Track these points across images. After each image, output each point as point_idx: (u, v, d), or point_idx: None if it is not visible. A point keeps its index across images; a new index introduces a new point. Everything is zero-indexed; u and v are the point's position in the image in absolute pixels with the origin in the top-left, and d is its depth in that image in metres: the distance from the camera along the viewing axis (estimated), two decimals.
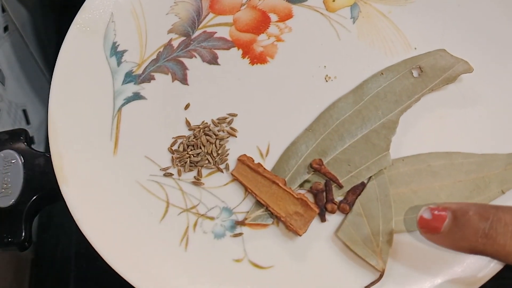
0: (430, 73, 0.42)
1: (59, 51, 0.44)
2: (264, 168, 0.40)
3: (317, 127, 0.41)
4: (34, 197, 0.41)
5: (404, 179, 0.40)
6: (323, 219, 0.39)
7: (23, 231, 0.40)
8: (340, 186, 0.40)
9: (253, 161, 0.40)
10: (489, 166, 0.40)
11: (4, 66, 0.61)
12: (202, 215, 0.40)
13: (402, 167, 0.40)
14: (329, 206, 0.39)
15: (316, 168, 0.40)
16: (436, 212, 0.33)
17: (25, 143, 0.43)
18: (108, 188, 0.40)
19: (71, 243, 0.61)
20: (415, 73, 0.43)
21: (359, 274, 0.38)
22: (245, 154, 0.41)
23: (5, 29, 0.61)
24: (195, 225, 0.39)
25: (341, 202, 0.39)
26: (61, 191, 0.39)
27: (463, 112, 0.42)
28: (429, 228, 0.33)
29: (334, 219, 0.39)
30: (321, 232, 0.39)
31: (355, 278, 0.37)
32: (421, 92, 0.42)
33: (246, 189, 0.40)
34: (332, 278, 0.38)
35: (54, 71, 0.43)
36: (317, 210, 0.38)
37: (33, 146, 0.44)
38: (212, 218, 0.40)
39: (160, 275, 0.37)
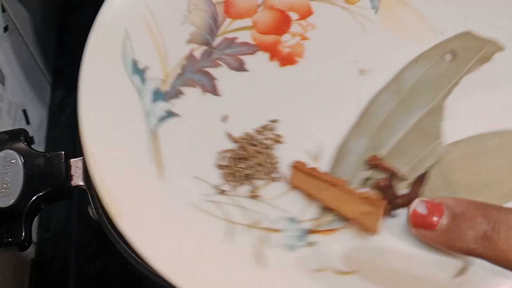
0: (463, 55, 0.43)
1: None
2: (322, 172, 0.39)
3: (364, 124, 0.41)
4: (34, 197, 0.41)
5: (460, 164, 0.40)
6: (392, 215, 0.38)
7: (23, 231, 0.40)
8: (402, 179, 0.39)
9: (307, 166, 0.39)
10: None
11: (4, 66, 0.61)
12: (268, 228, 0.38)
13: (455, 152, 0.40)
14: (397, 200, 0.38)
15: (375, 164, 0.39)
16: (431, 206, 0.31)
17: (25, 143, 0.43)
18: (165, 214, 0.38)
19: (71, 243, 0.61)
20: (448, 57, 0.43)
21: (442, 263, 0.37)
22: (298, 160, 0.40)
23: (5, 29, 0.61)
24: (262, 240, 0.38)
25: (408, 194, 0.38)
26: (117, 226, 0.36)
27: (503, 90, 0.42)
28: (423, 224, 0.30)
29: (403, 212, 0.39)
30: (395, 227, 0.38)
31: (439, 267, 0.37)
32: (459, 76, 0.42)
33: (307, 196, 0.39)
34: (417, 270, 0.37)
35: (79, 100, 0.40)
36: (386, 206, 0.37)
37: (33, 146, 0.43)
38: (279, 231, 0.38)
39: None
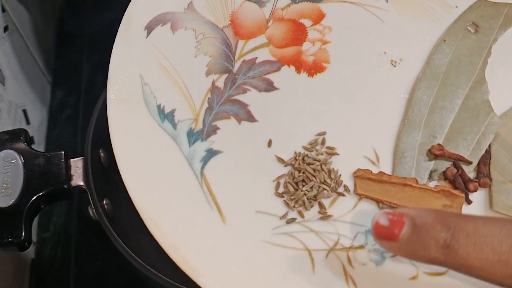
0: (485, 24, 0.42)
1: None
2: (388, 175, 0.37)
3: (413, 115, 0.39)
4: (34, 197, 0.40)
5: None
6: (469, 201, 0.37)
7: (23, 231, 0.40)
8: (468, 163, 0.38)
9: (371, 172, 0.37)
10: None
11: (4, 66, 0.61)
12: (350, 248, 0.36)
13: (509, 122, 0.39)
14: (470, 186, 0.37)
15: (439, 154, 0.38)
16: (393, 218, 0.29)
17: (25, 143, 0.43)
18: (241, 259, 0.35)
19: (71, 243, 0.60)
20: (472, 30, 0.42)
21: None
22: (359, 168, 0.38)
23: (5, 29, 0.61)
24: (349, 261, 0.36)
25: (478, 177, 0.37)
26: (200, 285, 0.34)
27: None
28: (386, 235, 0.29)
29: (477, 197, 0.37)
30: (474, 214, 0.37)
31: None
32: (488, 45, 0.41)
33: (379, 202, 0.37)
34: None
35: (118, 162, 0.37)
36: (463, 195, 0.36)
37: (33, 146, 0.43)
38: (362, 247, 0.36)
39: None
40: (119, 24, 0.42)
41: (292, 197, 0.37)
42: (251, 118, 0.40)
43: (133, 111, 0.39)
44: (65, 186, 0.42)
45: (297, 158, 0.38)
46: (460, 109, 0.39)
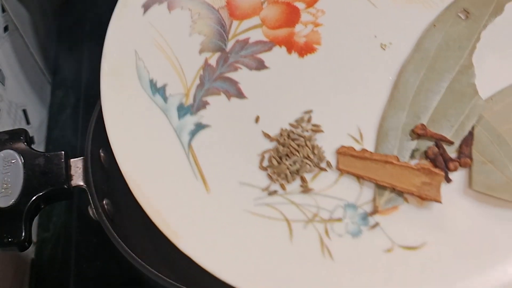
0: (476, 11, 0.42)
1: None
2: (371, 152, 0.38)
3: (399, 96, 0.40)
4: (34, 197, 0.40)
5: (502, 116, 0.39)
6: (448, 180, 0.37)
7: (23, 231, 0.40)
8: (450, 143, 0.38)
9: (354, 149, 0.38)
10: None
11: (4, 66, 0.60)
12: (328, 220, 0.37)
13: (494, 106, 0.39)
14: (451, 165, 0.37)
15: (422, 133, 0.38)
16: None
17: (25, 143, 0.43)
18: (222, 227, 0.36)
19: (71, 243, 0.60)
20: (463, 16, 0.42)
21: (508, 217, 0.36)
22: (342, 146, 0.38)
23: (5, 29, 0.61)
24: (326, 232, 0.36)
25: (459, 157, 0.38)
26: (179, 248, 0.35)
27: None
28: None
29: (457, 177, 0.38)
30: (451, 193, 0.37)
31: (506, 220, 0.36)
32: (478, 31, 0.42)
33: (360, 178, 0.38)
34: (484, 229, 0.36)
35: (108, 132, 0.39)
36: (443, 173, 0.36)
37: (33, 146, 0.43)
38: (340, 220, 0.37)
39: None
40: None
41: (275, 171, 0.38)
42: (240, 95, 0.41)
43: (126, 83, 0.40)
44: (65, 186, 0.42)
45: (282, 134, 0.39)
46: (446, 92, 0.40)
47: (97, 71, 0.41)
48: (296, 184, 0.38)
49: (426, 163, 0.37)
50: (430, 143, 0.38)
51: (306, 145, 0.39)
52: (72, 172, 0.43)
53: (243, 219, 0.37)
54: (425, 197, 0.36)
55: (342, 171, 0.38)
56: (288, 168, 0.38)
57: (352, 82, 0.41)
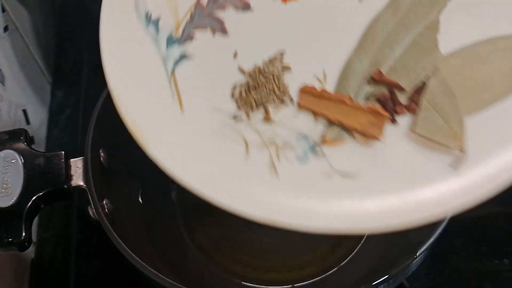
0: None
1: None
2: (328, 92, 0.42)
3: (366, 44, 0.43)
4: (34, 197, 0.41)
5: (458, 71, 0.42)
6: (394, 121, 0.41)
7: (23, 231, 0.40)
8: (402, 89, 0.41)
9: (315, 89, 0.42)
10: None
11: (4, 66, 0.60)
12: (282, 146, 0.41)
13: (453, 60, 0.42)
14: (398, 108, 0.41)
15: (377, 78, 0.41)
16: None
17: (25, 143, 0.43)
18: (189, 140, 0.41)
19: (71, 243, 0.61)
20: None
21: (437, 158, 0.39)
22: (306, 85, 0.42)
23: (5, 29, 0.61)
24: (278, 155, 0.40)
25: (409, 104, 0.41)
26: (148, 153, 0.39)
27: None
28: None
29: (402, 120, 0.41)
30: (395, 134, 0.40)
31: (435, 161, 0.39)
32: None
33: (316, 114, 0.41)
34: (415, 161, 0.40)
35: (101, 49, 0.43)
36: (388, 115, 0.40)
37: (33, 146, 0.44)
38: (292, 147, 0.41)
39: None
40: None
41: (243, 100, 0.42)
42: (224, 31, 0.45)
43: (123, 13, 0.45)
44: (65, 186, 0.43)
45: (255, 69, 0.43)
46: (410, 44, 0.42)
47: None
48: (260, 114, 0.42)
49: (377, 106, 0.41)
50: (385, 90, 0.42)
51: (274, 80, 0.43)
52: (72, 172, 0.43)
53: (207, 136, 0.41)
54: (367, 134, 0.40)
55: (301, 107, 0.42)
56: (254, 99, 0.42)
57: (326, 30, 0.44)
